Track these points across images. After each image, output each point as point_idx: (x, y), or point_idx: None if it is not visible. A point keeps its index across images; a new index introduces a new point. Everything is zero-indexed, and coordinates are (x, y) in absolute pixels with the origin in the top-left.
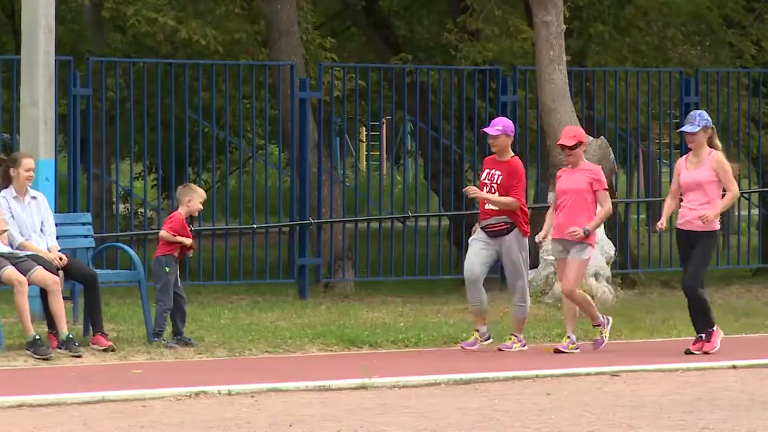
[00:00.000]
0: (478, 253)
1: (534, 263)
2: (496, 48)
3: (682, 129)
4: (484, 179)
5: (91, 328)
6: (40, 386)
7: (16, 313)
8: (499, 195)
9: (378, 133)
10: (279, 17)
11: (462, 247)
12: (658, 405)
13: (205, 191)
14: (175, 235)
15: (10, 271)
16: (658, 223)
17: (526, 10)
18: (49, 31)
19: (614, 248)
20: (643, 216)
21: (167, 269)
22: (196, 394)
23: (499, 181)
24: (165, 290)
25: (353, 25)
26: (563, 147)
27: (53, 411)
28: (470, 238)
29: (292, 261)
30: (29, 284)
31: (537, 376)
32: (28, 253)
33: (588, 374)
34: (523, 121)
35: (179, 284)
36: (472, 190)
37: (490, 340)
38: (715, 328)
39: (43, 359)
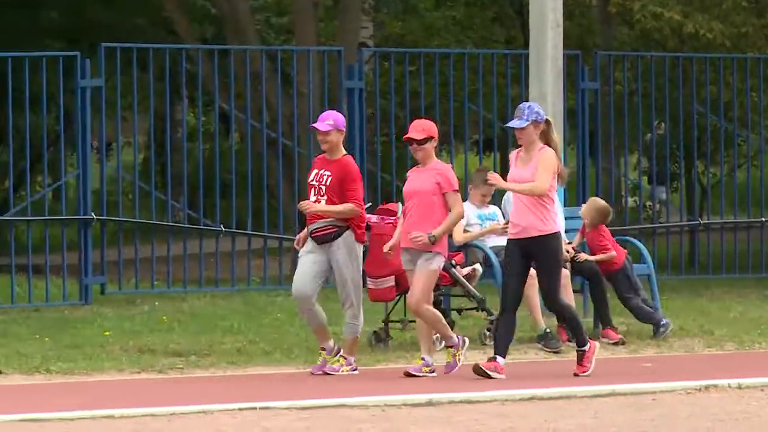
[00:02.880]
0: (307, 269)
1: None
2: None
3: (509, 124)
4: (312, 181)
5: (599, 322)
6: (550, 379)
7: (525, 305)
8: (328, 198)
9: None
10: None
11: None
12: None
13: (713, 185)
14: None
15: None
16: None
17: None
18: (557, 26)
19: None
20: None
21: None
22: (706, 387)
23: (328, 183)
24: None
25: None
26: (411, 141)
27: (563, 404)
28: (299, 252)
29: None
30: None
31: None
32: None
33: None
34: None
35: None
36: (305, 205)
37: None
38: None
39: (554, 352)
